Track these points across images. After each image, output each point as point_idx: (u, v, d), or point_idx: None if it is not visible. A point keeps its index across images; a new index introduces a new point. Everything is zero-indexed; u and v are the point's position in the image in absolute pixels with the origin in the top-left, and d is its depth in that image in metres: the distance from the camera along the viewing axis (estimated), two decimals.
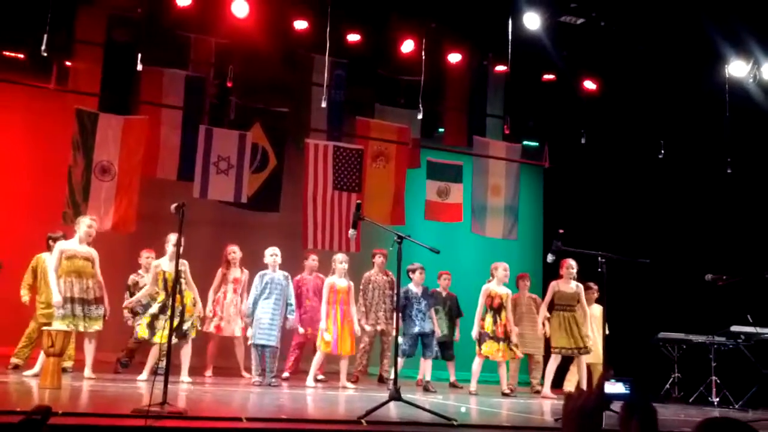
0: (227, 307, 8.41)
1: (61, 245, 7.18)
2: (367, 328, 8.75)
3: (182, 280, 7.32)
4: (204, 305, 8.04)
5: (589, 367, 8.65)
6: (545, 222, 12.13)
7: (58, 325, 6.78)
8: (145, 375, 7.16)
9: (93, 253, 7.27)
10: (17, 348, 7.72)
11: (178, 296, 6.96)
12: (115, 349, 8.34)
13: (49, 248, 7.78)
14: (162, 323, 7.01)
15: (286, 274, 7.92)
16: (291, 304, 7.90)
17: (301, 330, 8.40)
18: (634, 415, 1.71)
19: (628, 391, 1.71)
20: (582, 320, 8.40)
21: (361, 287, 8.98)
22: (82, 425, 3.96)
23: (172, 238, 7.06)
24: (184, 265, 7.44)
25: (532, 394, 9.08)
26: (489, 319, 8.34)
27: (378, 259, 9.07)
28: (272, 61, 9.46)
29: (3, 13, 8.67)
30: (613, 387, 1.68)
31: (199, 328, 7.75)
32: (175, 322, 6.94)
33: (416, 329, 8.43)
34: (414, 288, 8.61)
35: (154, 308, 7.29)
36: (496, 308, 8.37)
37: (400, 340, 8.29)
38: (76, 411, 4.56)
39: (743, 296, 8.59)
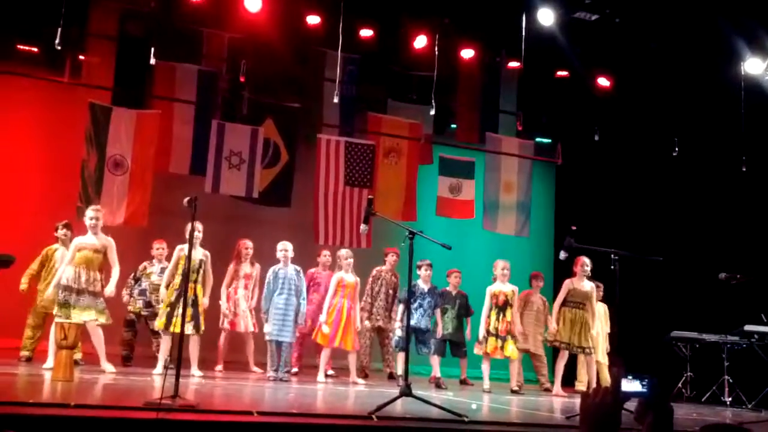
0: (239, 302, 8.42)
1: (76, 241, 7.18)
2: (367, 323, 8.79)
3: (201, 270, 7.39)
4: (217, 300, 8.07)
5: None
6: (557, 219, 12.08)
7: (57, 312, 6.82)
8: (159, 368, 7.18)
9: (106, 242, 7.17)
10: (24, 340, 7.73)
11: (191, 285, 6.99)
12: (120, 341, 8.30)
13: (57, 238, 7.83)
14: (178, 313, 7.00)
15: (298, 268, 7.91)
16: (304, 299, 7.89)
17: (300, 322, 8.37)
18: (650, 410, 1.69)
19: (645, 389, 1.69)
20: (590, 321, 8.35)
21: (370, 279, 8.97)
22: (94, 417, 3.97)
23: (198, 225, 7.05)
24: (206, 256, 7.51)
25: (541, 391, 9.04)
26: (493, 316, 8.31)
27: (391, 258, 9.06)
28: (285, 56, 9.46)
29: (17, 7, 8.72)
30: (630, 385, 1.66)
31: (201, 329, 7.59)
32: (189, 312, 7.01)
33: (412, 322, 8.34)
34: (422, 284, 8.57)
35: (171, 297, 7.30)
36: (501, 306, 8.33)
37: (398, 332, 8.28)
38: (89, 403, 4.57)
39: (757, 295, 8.53)
